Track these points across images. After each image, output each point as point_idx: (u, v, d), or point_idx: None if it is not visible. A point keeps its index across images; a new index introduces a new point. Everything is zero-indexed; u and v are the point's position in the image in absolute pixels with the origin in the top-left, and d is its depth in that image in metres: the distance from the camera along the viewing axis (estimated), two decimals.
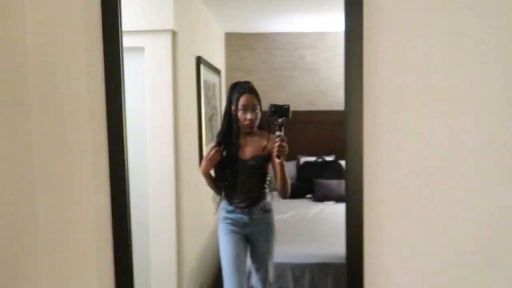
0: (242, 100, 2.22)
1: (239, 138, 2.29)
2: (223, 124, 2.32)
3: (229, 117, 2.29)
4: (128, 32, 2.36)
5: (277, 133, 1.99)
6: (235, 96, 2.24)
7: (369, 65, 1.04)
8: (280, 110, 1.93)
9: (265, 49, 4.50)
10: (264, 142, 2.26)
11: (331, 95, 4.50)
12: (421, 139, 1.07)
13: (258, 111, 2.28)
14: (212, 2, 3.53)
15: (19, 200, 1.32)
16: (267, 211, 2.46)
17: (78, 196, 1.40)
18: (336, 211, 3.59)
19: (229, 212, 2.43)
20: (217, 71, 3.89)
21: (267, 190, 2.43)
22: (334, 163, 4.26)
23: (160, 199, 2.38)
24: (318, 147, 4.53)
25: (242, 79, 4.94)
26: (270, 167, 2.37)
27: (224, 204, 2.46)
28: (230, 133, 2.27)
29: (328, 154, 4.54)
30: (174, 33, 2.42)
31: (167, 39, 2.39)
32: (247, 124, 2.22)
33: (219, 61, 4.14)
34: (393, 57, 1.07)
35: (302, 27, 4.32)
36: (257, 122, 2.28)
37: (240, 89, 2.27)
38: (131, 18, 2.32)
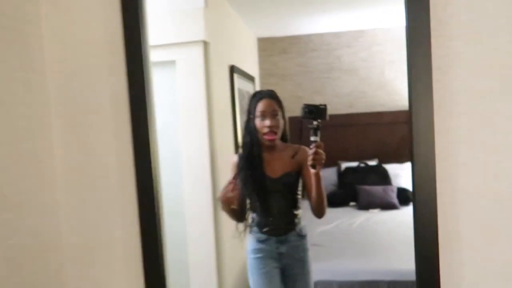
0: (260, 106, 1.84)
1: (261, 151, 1.88)
2: (243, 136, 1.94)
3: (248, 128, 1.91)
4: (158, 46, 2.31)
5: (312, 137, 1.64)
6: (253, 104, 1.89)
7: (439, 70, 0.86)
8: (315, 111, 1.62)
9: (300, 52, 4.35)
10: (292, 154, 1.88)
11: (371, 96, 4.29)
12: (504, 157, 0.89)
13: (279, 118, 1.86)
14: (243, 8, 3.42)
15: (43, 206, 1.26)
16: (304, 236, 1.98)
17: (105, 217, 1.32)
18: (383, 220, 3.38)
19: (260, 241, 1.95)
20: (251, 78, 3.79)
21: (301, 210, 1.98)
22: (378, 167, 4.04)
23: (197, 224, 2.30)
24: (359, 151, 4.32)
25: (276, 84, 4.85)
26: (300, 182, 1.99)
27: (253, 232, 1.98)
28: (250, 147, 1.88)
29: (371, 159, 4.32)
30: (205, 44, 2.33)
31: (199, 51, 2.30)
32: (266, 133, 1.82)
33: (252, 67, 4.04)
34: (468, 59, 0.89)
35: (338, 26, 4.14)
36: (279, 131, 1.86)
37: (259, 95, 1.90)
38: (161, 32, 2.26)
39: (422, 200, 0.97)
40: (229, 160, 2.01)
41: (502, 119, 0.93)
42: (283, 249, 1.93)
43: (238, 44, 3.42)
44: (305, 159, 1.78)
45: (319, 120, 1.64)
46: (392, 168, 4.06)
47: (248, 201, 1.92)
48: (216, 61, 2.49)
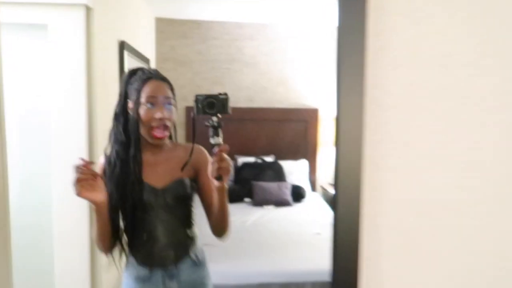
0: (148, 89, 1.31)
1: (140, 151, 1.35)
2: (115, 131, 1.36)
3: (125, 120, 1.34)
4: (24, 4, 1.86)
5: (213, 140, 1.21)
6: (135, 85, 1.33)
7: (374, 63, 0.70)
8: (216, 103, 1.21)
9: (200, 38, 4.10)
10: (184, 156, 1.38)
11: (271, 91, 4.25)
12: (435, 163, 0.78)
13: (173, 108, 1.36)
14: None
15: None
16: (202, 263, 1.45)
17: None
18: (277, 218, 3.33)
19: (141, 279, 1.39)
20: (145, 60, 3.42)
21: (196, 229, 1.45)
22: (274, 164, 4.01)
23: (68, 219, 1.91)
24: (257, 147, 4.26)
25: (173, 70, 4.49)
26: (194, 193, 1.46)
27: (129, 266, 1.41)
28: (125, 145, 1.33)
29: (268, 154, 4.29)
30: (88, 9, 1.94)
31: (79, 15, 1.90)
32: (155, 128, 1.31)
33: (148, 49, 3.66)
34: (406, 49, 0.75)
35: (241, 16, 3.99)
36: (171, 126, 1.37)
37: (145, 75, 1.35)
38: None
39: (344, 207, 0.78)
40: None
41: (444, 120, 0.81)
42: (173, 286, 1.38)
43: (132, 19, 3.04)
44: (202, 162, 1.37)
45: (219, 116, 1.21)
46: (287, 165, 4.08)
47: (121, 221, 1.34)
48: (102, 33, 2.11)
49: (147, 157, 1.37)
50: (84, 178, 1.17)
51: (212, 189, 1.28)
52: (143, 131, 1.33)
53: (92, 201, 1.22)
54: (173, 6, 3.71)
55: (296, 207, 3.66)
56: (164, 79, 1.37)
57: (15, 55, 1.97)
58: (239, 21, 4.11)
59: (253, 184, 3.78)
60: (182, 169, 1.35)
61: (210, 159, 1.22)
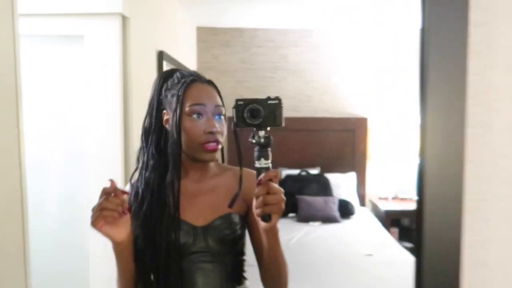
0: (193, 96, 1.02)
1: (179, 180, 1.04)
2: (145, 153, 1.07)
3: (158, 137, 1.07)
4: (60, 15, 1.80)
5: (258, 162, 0.87)
6: (174, 91, 1.04)
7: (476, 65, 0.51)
8: (262, 111, 0.87)
9: (244, 46, 3.98)
10: (233, 184, 1.06)
11: (317, 100, 4.04)
12: None
13: (223, 119, 1.07)
14: None
15: None
16: None
17: None
18: (324, 235, 3.10)
19: None
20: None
21: (247, 284, 1.14)
22: (320, 177, 3.78)
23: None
24: (301, 158, 4.05)
25: (215, 80, 4.31)
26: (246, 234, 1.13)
27: None
28: (160, 171, 1.05)
29: (313, 167, 4.06)
30: (124, 19, 1.86)
31: (114, 25, 1.83)
32: (206, 143, 1.02)
33: (189, 59, 3.59)
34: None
35: (285, 23, 3.83)
36: (222, 142, 1.08)
37: (184, 77, 1.05)
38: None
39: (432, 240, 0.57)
40: None
41: None
42: None
43: (171, 29, 2.97)
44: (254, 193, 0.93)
45: (267, 128, 0.87)
46: (334, 178, 3.83)
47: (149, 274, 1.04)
48: (139, 43, 2.03)
49: (187, 185, 1.07)
50: (110, 208, 0.91)
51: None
52: (188, 149, 1.03)
53: (111, 238, 0.95)
54: (215, 14, 3.62)
55: (344, 224, 3.41)
56: (210, 83, 1.07)
57: (52, 66, 1.93)
58: (283, 27, 3.95)
59: (297, 198, 3.57)
60: (231, 205, 0.98)
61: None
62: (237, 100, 0.88)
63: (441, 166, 0.59)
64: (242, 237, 1.08)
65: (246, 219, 1.10)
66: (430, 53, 0.58)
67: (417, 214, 0.60)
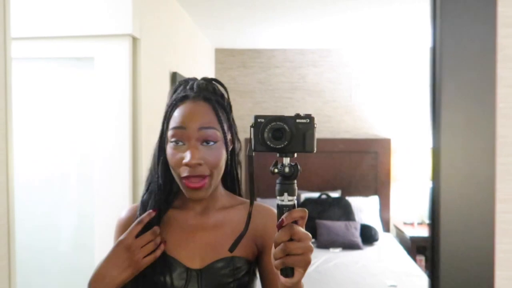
0: (176, 117, 0.86)
1: (167, 211, 0.94)
2: (152, 175, 0.96)
3: (156, 161, 0.93)
4: (71, 37, 1.79)
5: (281, 199, 0.68)
6: (167, 112, 0.89)
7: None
8: (287, 132, 0.67)
9: (261, 67, 3.94)
10: (238, 223, 0.91)
11: (337, 121, 3.92)
12: None
13: (215, 146, 0.86)
14: (196, 10, 2.96)
15: None
16: None
17: None
18: (345, 263, 2.94)
19: None
20: None
21: None
22: (341, 200, 3.62)
23: None
24: (321, 181, 3.91)
25: (233, 101, 4.28)
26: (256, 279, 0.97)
27: None
28: (154, 199, 0.92)
29: (333, 190, 3.91)
30: (134, 40, 1.84)
31: (124, 47, 1.80)
32: (185, 178, 0.85)
33: None
34: None
35: (303, 43, 3.77)
36: (215, 173, 0.87)
37: (180, 92, 0.90)
38: (75, 22, 1.77)
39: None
40: None
41: None
42: None
43: (187, 50, 2.96)
44: (270, 234, 0.86)
45: (292, 154, 0.69)
46: (355, 202, 3.67)
47: None
48: (150, 64, 2.00)
49: (187, 218, 0.92)
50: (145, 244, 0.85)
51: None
52: (176, 179, 0.88)
53: (124, 278, 0.85)
54: (232, 35, 3.60)
55: (367, 251, 3.23)
56: (207, 99, 0.86)
57: (62, 88, 1.91)
58: (301, 47, 3.90)
59: (317, 223, 3.43)
60: (232, 248, 0.79)
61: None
62: (257, 117, 0.68)
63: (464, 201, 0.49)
64: (247, 284, 0.90)
65: (258, 267, 0.92)
66: (444, 68, 0.48)
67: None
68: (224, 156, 0.88)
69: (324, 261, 2.98)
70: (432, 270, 0.47)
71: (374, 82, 3.87)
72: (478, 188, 0.48)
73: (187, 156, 0.82)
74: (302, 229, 0.66)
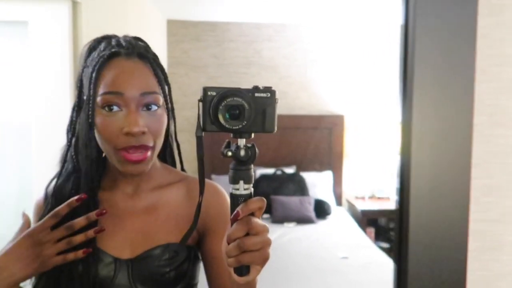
0: (108, 79, 0.73)
1: (96, 193, 0.79)
2: (66, 151, 0.82)
3: (76, 131, 0.79)
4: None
5: (235, 187, 0.59)
6: (89, 70, 0.74)
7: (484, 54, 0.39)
8: (249, 110, 0.58)
9: (216, 41, 3.81)
10: (180, 204, 0.83)
11: (292, 97, 3.91)
12: None
13: (157, 111, 0.76)
14: None
15: None
16: None
17: None
18: (299, 237, 2.98)
19: None
20: None
21: None
22: (295, 176, 3.65)
23: None
24: (276, 157, 3.92)
25: (186, 75, 4.19)
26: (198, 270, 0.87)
27: None
28: (76, 179, 0.79)
29: (288, 165, 3.94)
30: (74, 4, 1.68)
31: (63, 12, 1.64)
32: (125, 149, 0.73)
33: (158, 53, 3.40)
34: None
35: (259, 17, 3.68)
36: (157, 143, 0.77)
37: (106, 49, 0.74)
38: None
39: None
40: None
41: None
42: None
43: (135, 19, 2.78)
44: (214, 216, 0.81)
45: (250, 136, 0.60)
46: (309, 177, 3.72)
47: None
48: (93, 31, 1.84)
49: (116, 200, 0.81)
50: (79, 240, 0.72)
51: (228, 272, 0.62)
52: (107, 154, 0.76)
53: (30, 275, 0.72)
54: (186, 7, 3.44)
55: (320, 225, 3.30)
56: (142, 56, 0.75)
57: None
58: (257, 21, 3.81)
59: (272, 198, 3.44)
60: (183, 242, 0.70)
61: (228, 214, 0.62)
62: (206, 89, 0.57)
63: (435, 170, 0.46)
64: (188, 276, 0.80)
65: (201, 252, 0.83)
66: (417, 42, 0.45)
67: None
68: (166, 123, 0.78)
69: (278, 236, 3.01)
70: (400, 243, 0.45)
71: (329, 59, 3.88)
72: (452, 154, 0.46)
73: (129, 124, 0.70)
74: (260, 221, 0.58)
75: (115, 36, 0.80)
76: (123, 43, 0.76)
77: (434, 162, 0.45)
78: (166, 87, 0.80)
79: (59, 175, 0.81)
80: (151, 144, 0.75)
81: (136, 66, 0.74)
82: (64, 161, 0.81)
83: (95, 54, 0.76)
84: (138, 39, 0.82)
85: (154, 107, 0.74)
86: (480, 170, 0.46)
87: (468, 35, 0.45)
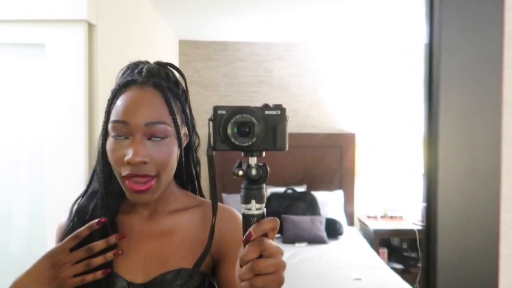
0: (118, 108, 0.75)
1: (114, 217, 0.80)
2: (94, 175, 0.85)
3: (98, 158, 0.81)
4: (19, 21, 1.65)
5: (247, 207, 0.58)
6: (110, 101, 0.77)
7: None
8: (256, 126, 0.57)
9: (227, 60, 3.86)
10: (196, 229, 0.82)
11: (303, 115, 3.92)
12: None
13: (165, 141, 0.75)
14: (159, 1, 2.84)
15: None
16: None
17: None
18: (310, 258, 2.93)
19: None
20: None
21: None
22: (306, 195, 3.62)
23: None
24: (287, 175, 3.90)
25: (198, 94, 4.23)
26: None
27: None
28: (95, 202, 0.81)
29: (299, 184, 3.91)
30: (90, 27, 1.72)
31: (79, 34, 1.68)
32: (126, 177, 0.74)
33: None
34: None
35: (270, 36, 3.72)
36: (164, 172, 0.76)
37: (127, 76, 0.78)
38: (24, 4, 1.63)
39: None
40: None
41: None
42: None
43: (148, 40, 2.83)
44: (228, 241, 0.79)
45: (260, 153, 0.60)
46: (320, 196, 3.68)
47: None
48: (108, 53, 1.88)
49: (133, 224, 0.81)
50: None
51: None
52: (118, 179, 0.76)
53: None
54: (197, 27, 3.50)
55: (332, 245, 3.25)
56: (157, 86, 0.75)
57: (9, 77, 1.76)
58: (267, 41, 3.85)
59: (283, 217, 3.41)
60: (196, 267, 0.71)
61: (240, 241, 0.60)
62: (216, 108, 0.56)
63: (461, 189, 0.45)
64: None
65: (216, 279, 0.81)
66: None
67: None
68: (175, 153, 0.77)
69: (289, 256, 2.96)
70: (427, 275, 0.43)
71: (339, 77, 3.89)
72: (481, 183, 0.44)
73: (129, 153, 0.71)
74: (273, 243, 0.56)
75: (143, 63, 0.82)
76: (144, 72, 0.77)
77: (461, 193, 0.44)
78: (183, 115, 0.80)
79: (84, 194, 0.83)
80: (153, 174, 0.74)
81: (146, 96, 0.75)
82: (90, 180, 0.84)
83: (116, 85, 0.78)
84: (165, 65, 0.83)
85: (160, 138, 0.74)
86: (509, 203, 0.45)
87: (495, 52, 0.44)
